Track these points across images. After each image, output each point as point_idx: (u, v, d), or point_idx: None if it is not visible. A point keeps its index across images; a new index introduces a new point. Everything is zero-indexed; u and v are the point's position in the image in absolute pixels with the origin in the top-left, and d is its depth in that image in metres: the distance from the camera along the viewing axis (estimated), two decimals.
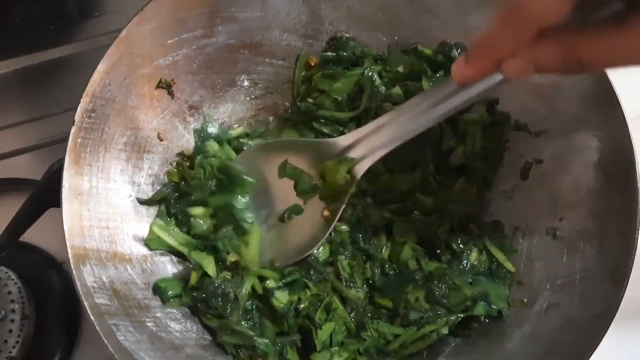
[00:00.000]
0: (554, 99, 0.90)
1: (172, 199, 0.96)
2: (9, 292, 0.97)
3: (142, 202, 0.94)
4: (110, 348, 0.76)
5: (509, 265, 0.94)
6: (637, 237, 0.80)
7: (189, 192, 0.96)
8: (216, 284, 0.90)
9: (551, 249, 0.90)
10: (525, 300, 0.90)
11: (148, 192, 0.96)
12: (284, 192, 0.97)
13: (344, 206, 0.94)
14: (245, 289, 0.91)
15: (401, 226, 0.99)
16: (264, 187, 0.98)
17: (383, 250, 0.99)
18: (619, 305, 0.78)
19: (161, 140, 0.97)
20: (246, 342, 0.90)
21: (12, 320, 0.95)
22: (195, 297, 0.91)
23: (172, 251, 0.95)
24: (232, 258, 0.94)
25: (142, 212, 0.94)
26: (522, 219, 0.95)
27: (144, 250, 0.92)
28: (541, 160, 0.93)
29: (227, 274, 0.92)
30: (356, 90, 1.02)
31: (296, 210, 0.97)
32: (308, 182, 0.96)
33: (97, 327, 0.76)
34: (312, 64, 1.03)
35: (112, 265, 0.85)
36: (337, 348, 0.91)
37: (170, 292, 0.91)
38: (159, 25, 0.89)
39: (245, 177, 0.97)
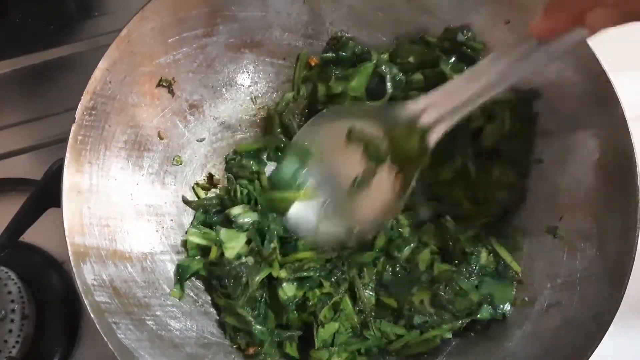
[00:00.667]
0: (554, 99, 0.90)
1: (212, 210, 0.99)
2: (9, 292, 0.96)
3: (185, 201, 0.99)
4: (110, 346, 0.76)
5: (515, 266, 0.93)
6: (637, 237, 0.80)
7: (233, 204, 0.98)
8: (233, 265, 0.92)
9: (551, 249, 0.90)
10: (526, 299, 0.90)
11: (148, 191, 0.96)
12: (351, 162, 0.94)
13: (416, 175, 0.89)
14: (259, 277, 0.92)
15: (430, 228, 0.98)
16: (328, 158, 0.97)
17: (405, 250, 0.97)
18: (619, 304, 0.79)
19: (161, 138, 0.97)
20: (245, 328, 0.91)
21: (12, 320, 0.95)
22: (212, 271, 0.94)
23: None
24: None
25: (142, 210, 0.94)
26: (522, 218, 0.95)
27: (144, 249, 0.92)
28: (541, 160, 0.93)
29: (250, 259, 0.94)
30: (375, 82, 1.00)
31: (368, 176, 0.93)
32: (379, 145, 0.91)
33: (97, 325, 0.76)
34: (313, 64, 1.02)
35: (112, 263, 0.85)
36: (336, 348, 0.91)
37: (191, 270, 0.94)
38: (160, 24, 0.89)
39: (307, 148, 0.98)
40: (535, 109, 0.92)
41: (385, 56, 1.00)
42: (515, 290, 0.93)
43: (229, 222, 0.97)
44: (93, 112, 0.84)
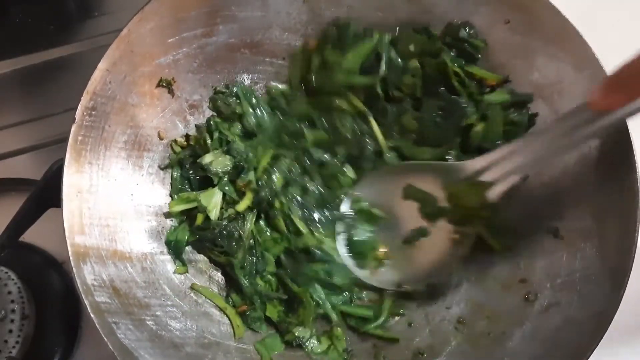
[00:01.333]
0: (554, 99, 0.90)
1: (187, 164, 0.99)
2: (9, 292, 0.96)
3: (163, 167, 0.98)
4: (110, 346, 0.76)
5: None
6: (637, 237, 0.80)
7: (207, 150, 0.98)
8: (222, 226, 0.95)
9: (551, 248, 0.90)
10: (526, 298, 0.90)
11: (148, 191, 0.96)
12: (409, 215, 0.97)
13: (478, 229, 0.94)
14: (249, 225, 0.96)
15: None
16: (387, 210, 0.99)
17: None
18: (619, 304, 0.78)
19: (161, 138, 0.97)
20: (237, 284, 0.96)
21: (12, 320, 0.95)
22: (202, 235, 0.96)
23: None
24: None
25: (142, 210, 0.94)
26: (522, 218, 0.95)
27: (144, 249, 0.92)
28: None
29: (232, 212, 0.96)
30: (370, 61, 0.99)
31: (422, 232, 0.96)
32: (434, 203, 0.95)
33: (97, 325, 0.77)
34: (312, 45, 1.01)
35: (112, 263, 0.85)
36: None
37: (182, 242, 0.96)
38: (160, 24, 0.89)
39: (374, 210, 1.00)
40: (536, 109, 0.92)
41: (387, 37, 0.99)
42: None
43: (202, 171, 0.97)
44: (93, 112, 0.84)
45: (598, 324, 0.79)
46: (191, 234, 0.97)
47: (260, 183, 0.97)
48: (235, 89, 1.02)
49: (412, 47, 0.98)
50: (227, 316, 0.96)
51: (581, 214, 0.88)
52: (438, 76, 0.96)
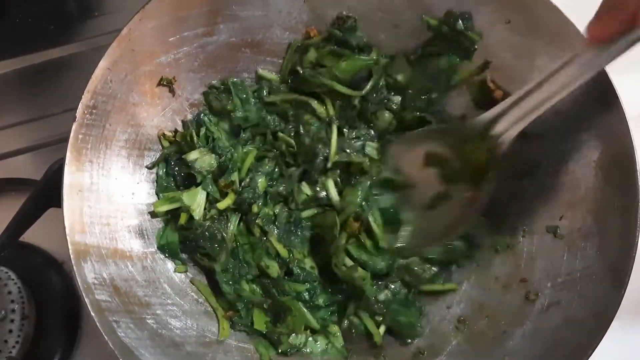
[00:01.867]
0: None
1: (172, 159, 0.98)
2: (9, 292, 0.97)
3: (150, 167, 0.97)
4: (110, 345, 0.76)
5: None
6: (638, 236, 0.80)
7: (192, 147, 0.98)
8: (205, 226, 0.95)
9: (552, 248, 0.90)
10: (526, 297, 0.90)
11: (148, 190, 0.96)
12: (428, 180, 0.95)
13: (491, 184, 0.90)
14: (232, 226, 0.96)
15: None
16: (407, 176, 0.98)
17: None
18: (620, 303, 0.79)
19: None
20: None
21: (12, 320, 0.95)
22: (185, 236, 0.96)
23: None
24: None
25: (143, 209, 0.95)
26: (522, 217, 0.95)
27: (145, 248, 0.93)
28: (541, 160, 0.93)
29: (215, 213, 0.96)
30: (360, 77, 1.00)
31: (442, 196, 0.94)
32: (452, 167, 0.93)
33: (97, 324, 0.77)
34: (312, 35, 1.01)
35: (112, 262, 0.85)
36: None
37: (174, 241, 0.96)
38: (160, 23, 0.89)
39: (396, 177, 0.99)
40: None
41: (383, 61, 1.00)
42: None
43: (187, 168, 0.97)
44: (94, 111, 0.84)
45: (598, 324, 0.79)
46: (176, 234, 0.97)
47: (243, 184, 0.98)
48: (229, 82, 1.01)
49: (400, 78, 1.01)
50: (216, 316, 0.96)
51: (581, 214, 0.88)
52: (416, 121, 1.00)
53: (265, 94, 1.03)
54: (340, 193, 0.99)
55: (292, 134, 1.03)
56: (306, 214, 0.99)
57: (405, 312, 0.96)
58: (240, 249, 0.97)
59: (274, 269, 0.96)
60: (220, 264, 0.95)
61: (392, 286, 0.97)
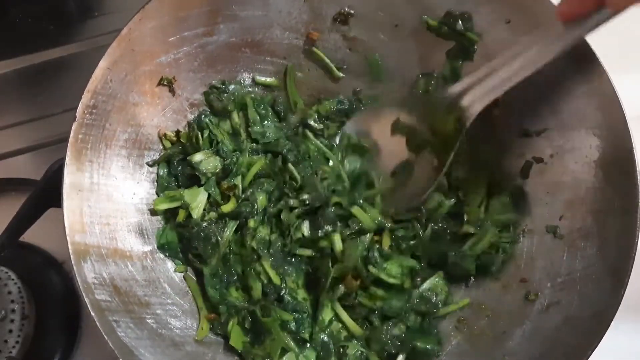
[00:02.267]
0: (554, 99, 0.90)
1: (175, 160, 0.98)
2: (9, 292, 0.96)
3: (151, 164, 0.97)
4: (110, 344, 0.76)
5: None
6: (637, 236, 0.80)
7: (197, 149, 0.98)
8: (201, 226, 0.94)
9: (552, 248, 0.90)
10: (526, 297, 0.90)
11: (149, 190, 0.96)
12: (395, 148, 0.98)
13: (452, 154, 0.93)
14: (229, 232, 0.95)
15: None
16: (376, 145, 1.00)
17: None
18: (620, 303, 0.78)
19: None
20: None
21: (12, 320, 0.95)
22: (181, 233, 0.95)
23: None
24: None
25: (143, 209, 0.95)
26: (522, 217, 0.95)
27: (145, 247, 0.93)
28: (541, 159, 0.93)
29: (214, 215, 0.96)
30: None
31: (408, 166, 0.98)
32: (420, 136, 0.96)
33: (97, 324, 0.76)
34: (315, 38, 1.01)
35: (112, 262, 0.85)
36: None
37: (174, 240, 0.96)
38: (160, 23, 0.89)
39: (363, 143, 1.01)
40: (536, 108, 0.92)
41: None
42: None
43: (191, 169, 0.97)
44: (94, 110, 0.84)
45: (598, 324, 0.79)
46: (172, 231, 0.97)
47: (244, 195, 0.97)
48: (231, 87, 1.01)
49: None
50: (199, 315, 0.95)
51: (581, 214, 0.88)
52: None
53: (280, 109, 1.04)
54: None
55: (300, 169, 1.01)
56: (301, 252, 0.97)
57: (422, 338, 0.93)
58: (232, 257, 0.96)
59: (257, 291, 0.94)
60: (211, 267, 0.94)
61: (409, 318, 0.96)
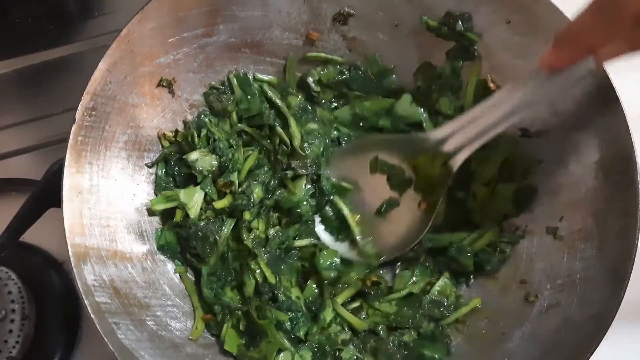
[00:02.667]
0: (554, 99, 0.90)
1: (172, 159, 0.98)
2: (9, 292, 0.96)
3: (150, 165, 0.97)
4: (110, 346, 0.76)
5: None
6: (638, 237, 0.80)
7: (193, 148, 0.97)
8: (199, 226, 0.93)
9: (551, 249, 0.90)
10: (526, 299, 0.90)
11: (148, 191, 0.96)
12: (378, 187, 0.98)
13: (441, 199, 0.94)
14: (227, 230, 0.94)
15: None
16: (357, 184, 1.00)
17: None
18: (619, 305, 0.78)
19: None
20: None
21: (12, 320, 0.95)
22: (179, 234, 0.95)
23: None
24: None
25: (143, 210, 0.94)
26: (522, 218, 0.95)
27: (144, 249, 0.93)
28: (541, 160, 0.93)
29: (211, 214, 0.96)
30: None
31: (392, 203, 0.98)
32: (401, 175, 0.96)
33: (97, 326, 0.77)
34: (314, 38, 1.01)
35: (112, 264, 0.85)
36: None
37: (172, 241, 0.96)
38: (160, 24, 0.89)
39: (343, 184, 1.01)
40: (536, 109, 0.92)
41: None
42: None
43: (187, 168, 0.96)
44: (93, 112, 0.84)
45: (598, 325, 0.79)
46: (169, 231, 0.96)
47: (240, 189, 0.97)
48: (230, 76, 1.01)
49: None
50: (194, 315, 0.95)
51: (581, 215, 0.88)
52: None
53: (267, 89, 1.03)
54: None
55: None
56: (299, 243, 0.98)
57: (431, 347, 0.93)
58: (230, 254, 0.96)
59: (250, 287, 0.94)
60: (209, 266, 0.94)
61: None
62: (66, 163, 0.81)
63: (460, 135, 0.88)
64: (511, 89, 0.83)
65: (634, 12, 0.60)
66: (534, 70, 0.79)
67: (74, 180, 0.82)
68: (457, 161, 0.90)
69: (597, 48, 0.68)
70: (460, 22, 0.93)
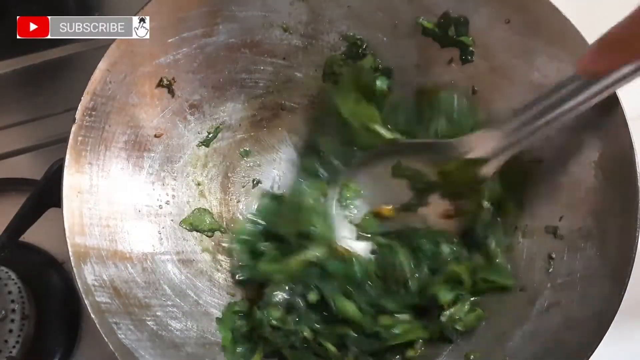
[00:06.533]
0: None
1: None
2: (9, 292, 0.96)
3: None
4: (110, 346, 0.76)
5: None
6: (638, 237, 0.80)
7: None
8: None
9: (551, 248, 0.90)
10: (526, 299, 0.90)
11: (148, 191, 0.96)
12: (402, 191, 0.98)
13: (475, 205, 0.94)
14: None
15: None
16: (378, 188, 0.99)
17: None
18: (620, 304, 0.78)
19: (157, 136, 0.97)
20: None
21: (12, 320, 0.95)
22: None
23: None
24: None
25: (143, 211, 0.94)
26: (522, 217, 0.95)
27: (145, 249, 0.92)
28: (541, 159, 0.93)
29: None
30: None
31: (420, 201, 0.97)
32: (423, 179, 0.95)
33: (97, 326, 0.77)
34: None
35: (112, 264, 0.85)
36: None
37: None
38: (160, 24, 0.89)
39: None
40: None
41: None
42: None
43: None
44: (93, 112, 0.84)
45: (599, 324, 0.79)
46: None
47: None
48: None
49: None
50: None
51: (581, 214, 0.88)
52: None
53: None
54: None
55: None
56: None
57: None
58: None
59: None
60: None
61: None
62: (66, 163, 0.81)
63: (493, 143, 0.87)
64: (542, 97, 0.82)
65: None
66: (569, 76, 0.79)
67: (74, 181, 0.82)
68: (489, 170, 0.89)
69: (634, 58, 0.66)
70: (453, 27, 0.93)
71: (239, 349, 0.93)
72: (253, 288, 1.00)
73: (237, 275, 1.00)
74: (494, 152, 0.88)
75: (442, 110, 0.99)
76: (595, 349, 0.77)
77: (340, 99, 1.00)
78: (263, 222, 1.03)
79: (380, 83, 1.01)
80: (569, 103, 0.79)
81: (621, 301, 0.78)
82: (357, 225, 1.00)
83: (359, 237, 0.99)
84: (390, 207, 0.98)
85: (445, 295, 0.93)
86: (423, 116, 1.01)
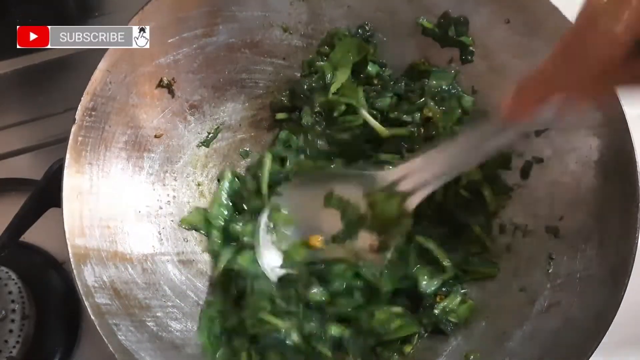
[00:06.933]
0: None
1: None
2: (9, 292, 0.96)
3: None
4: (110, 348, 0.76)
5: None
6: (637, 237, 0.80)
7: None
8: None
9: (551, 248, 0.90)
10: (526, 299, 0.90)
11: (149, 192, 0.96)
12: (333, 220, 0.96)
13: (398, 239, 0.93)
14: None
15: None
16: (309, 216, 0.98)
17: None
18: (620, 304, 0.78)
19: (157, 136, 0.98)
20: None
21: (12, 320, 0.95)
22: None
23: None
24: None
25: (143, 211, 0.94)
26: (522, 218, 0.95)
27: (145, 250, 0.92)
28: (541, 159, 0.93)
29: None
30: None
31: (345, 236, 0.96)
32: (355, 212, 0.94)
33: (97, 327, 0.76)
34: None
35: (112, 265, 0.85)
36: None
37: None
38: (160, 24, 0.89)
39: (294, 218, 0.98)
40: None
41: None
42: None
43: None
44: (93, 113, 0.84)
45: (598, 324, 0.79)
46: None
47: None
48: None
49: None
50: None
51: (581, 214, 0.88)
52: None
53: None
54: None
55: None
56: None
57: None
58: None
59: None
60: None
61: None
62: (66, 164, 0.81)
63: (417, 176, 0.87)
64: (469, 133, 0.81)
65: (602, 59, 0.56)
66: (492, 115, 0.79)
67: (74, 181, 0.82)
68: (413, 202, 0.89)
69: (555, 97, 0.64)
70: (453, 27, 0.93)
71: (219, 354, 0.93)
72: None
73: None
74: (417, 185, 0.88)
75: (431, 90, 0.99)
76: (595, 349, 0.78)
77: (330, 66, 1.00)
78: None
79: (372, 68, 1.02)
80: (491, 142, 0.78)
81: (621, 301, 0.78)
82: (284, 252, 0.98)
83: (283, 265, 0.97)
84: (320, 237, 0.97)
85: (428, 284, 0.94)
86: (411, 99, 1.01)
